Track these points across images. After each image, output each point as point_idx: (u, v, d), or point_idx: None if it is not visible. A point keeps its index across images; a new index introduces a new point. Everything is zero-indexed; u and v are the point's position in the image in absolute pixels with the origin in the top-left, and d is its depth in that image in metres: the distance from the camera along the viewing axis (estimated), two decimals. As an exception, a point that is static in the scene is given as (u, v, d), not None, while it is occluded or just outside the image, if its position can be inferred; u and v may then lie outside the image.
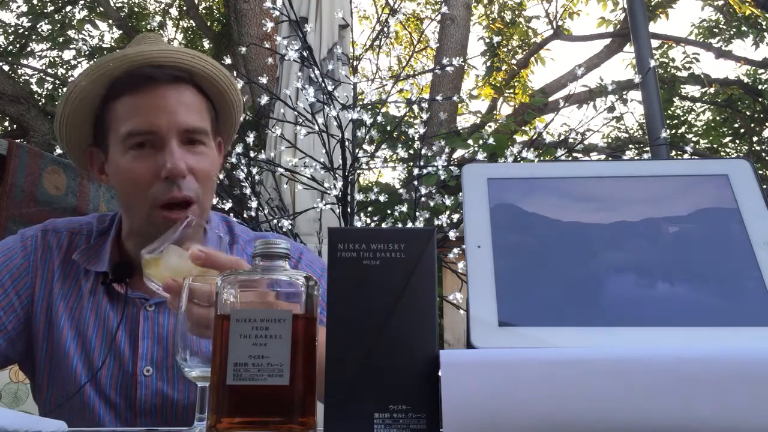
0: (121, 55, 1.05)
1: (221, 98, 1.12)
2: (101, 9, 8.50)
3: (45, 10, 8.60)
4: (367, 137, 2.98)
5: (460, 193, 0.71)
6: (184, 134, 1.03)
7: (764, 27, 8.25)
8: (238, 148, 2.82)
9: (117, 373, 1.05)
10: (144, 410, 1.04)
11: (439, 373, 0.52)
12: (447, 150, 3.20)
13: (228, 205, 2.83)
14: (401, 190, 3.68)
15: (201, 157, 1.05)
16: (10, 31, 8.78)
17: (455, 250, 2.95)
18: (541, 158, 2.91)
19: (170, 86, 1.04)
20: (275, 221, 2.90)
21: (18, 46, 8.76)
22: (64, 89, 1.09)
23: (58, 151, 2.56)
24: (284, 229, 2.82)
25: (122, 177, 1.06)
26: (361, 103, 3.04)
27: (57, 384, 1.07)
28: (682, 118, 9.97)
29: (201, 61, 1.08)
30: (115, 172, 1.07)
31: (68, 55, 11.98)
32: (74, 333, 1.07)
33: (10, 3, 8.38)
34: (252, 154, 2.88)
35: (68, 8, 9.00)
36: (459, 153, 4.58)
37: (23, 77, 8.98)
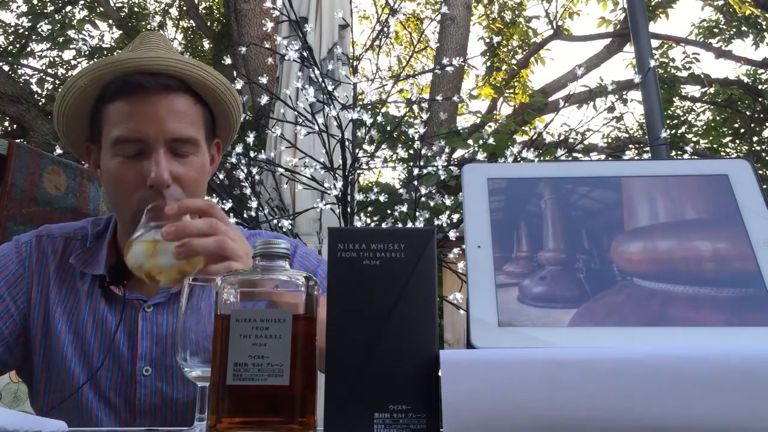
0: (115, 60, 1.05)
1: (218, 104, 1.12)
2: (101, 9, 8.50)
3: (45, 10, 8.60)
4: (367, 137, 2.98)
5: (460, 193, 0.71)
6: (172, 143, 1.04)
7: (764, 27, 8.25)
8: (238, 148, 2.82)
9: (116, 373, 1.05)
10: (143, 410, 1.04)
11: (439, 373, 0.52)
12: (447, 150, 3.21)
13: (228, 205, 2.83)
14: (401, 190, 3.68)
15: (189, 166, 1.05)
16: (10, 31, 8.78)
17: (455, 250, 2.96)
18: (541, 158, 2.91)
19: (161, 94, 1.03)
20: (275, 221, 2.90)
21: (18, 46, 8.75)
22: (62, 86, 1.08)
23: (58, 151, 2.56)
24: (284, 229, 2.82)
25: (109, 180, 1.07)
26: (361, 103, 3.04)
27: (55, 389, 1.07)
28: (682, 118, 9.96)
29: (195, 68, 1.07)
30: (104, 173, 1.09)
31: (68, 55, 11.99)
32: (72, 337, 1.07)
33: (10, 3, 8.38)
34: (252, 154, 2.88)
35: (68, 8, 9.00)
36: (459, 153, 4.58)
37: (23, 77, 8.97)
